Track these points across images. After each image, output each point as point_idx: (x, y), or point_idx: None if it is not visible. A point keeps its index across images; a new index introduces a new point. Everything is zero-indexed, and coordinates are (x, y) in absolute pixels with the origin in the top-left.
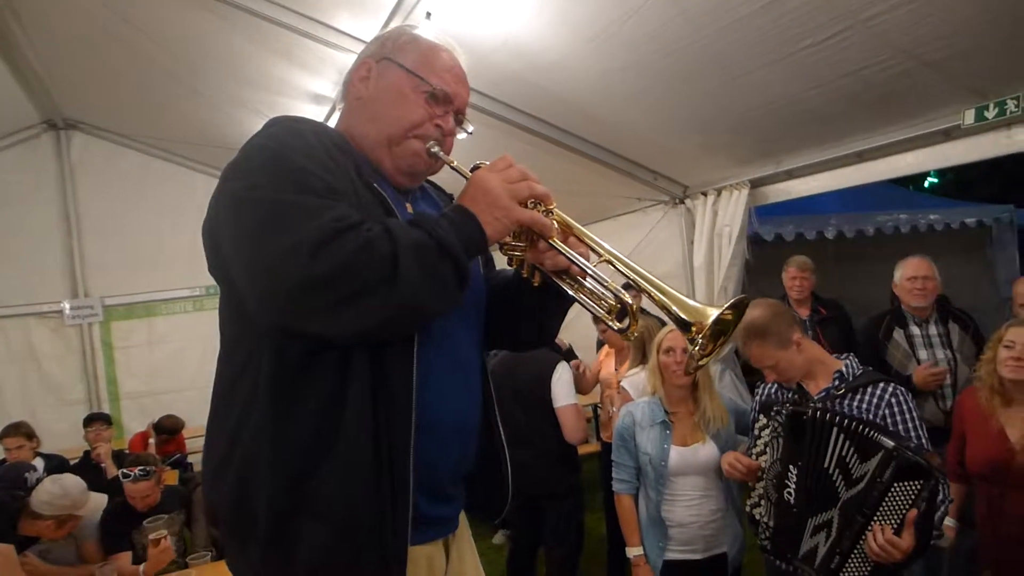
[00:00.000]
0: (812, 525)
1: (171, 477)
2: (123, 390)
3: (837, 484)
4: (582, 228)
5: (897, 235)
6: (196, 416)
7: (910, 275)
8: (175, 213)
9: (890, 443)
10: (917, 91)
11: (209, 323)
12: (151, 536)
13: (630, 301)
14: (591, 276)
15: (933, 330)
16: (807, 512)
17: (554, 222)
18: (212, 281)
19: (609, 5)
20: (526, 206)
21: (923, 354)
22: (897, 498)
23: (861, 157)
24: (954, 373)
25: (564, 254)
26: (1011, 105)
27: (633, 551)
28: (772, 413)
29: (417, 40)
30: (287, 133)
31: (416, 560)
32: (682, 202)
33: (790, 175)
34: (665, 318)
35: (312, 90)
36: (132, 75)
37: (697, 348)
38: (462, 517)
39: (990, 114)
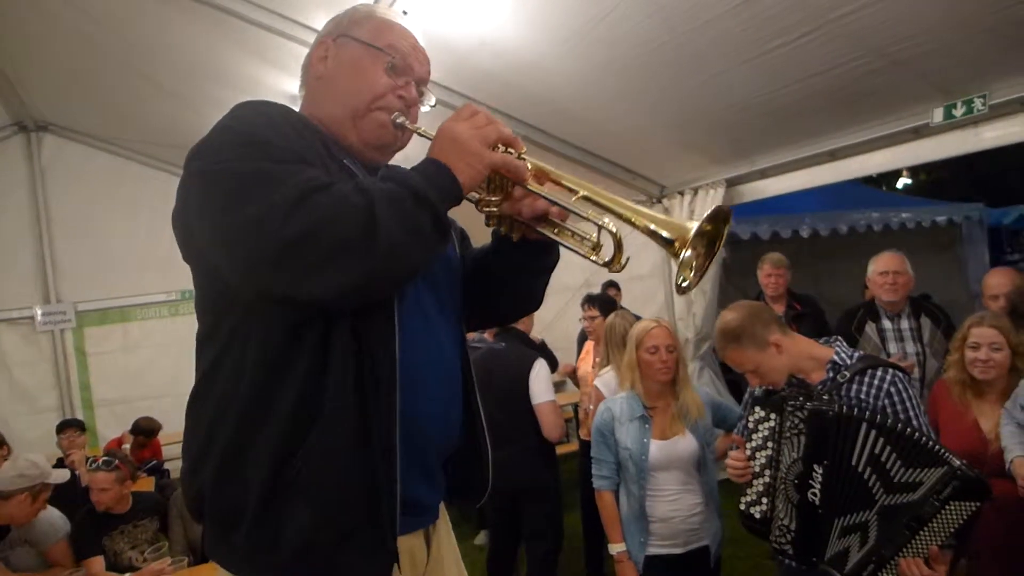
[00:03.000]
0: (840, 526)
1: (147, 483)
2: (97, 397)
3: (872, 485)
4: (555, 170)
5: (870, 233)
6: (172, 422)
7: (881, 269)
8: (149, 216)
9: (956, 461)
10: (887, 90)
11: (185, 328)
12: (154, 566)
13: (614, 229)
14: (572, 214)
15: (905, 324)
16: (834, 513)
17: (527, 165)
18: (189, 285)
19: (584, 5)
20: (496, 151)
21: (893, 348)
22: (950, 515)
23: (834, 156)
24: (923, 367)
25: (541, 195)
26: (978, 103)
27: (616, 547)
28: (789, 409)
29: (372, 14)
30: (253, 113)
31: (400, 552)
32: (659, 201)
33: (763, 174)
34: (651, 239)
35: (288, 90)
36: (104, 76)
37: (686, 260)
38: (442, 509)
39: (958, 112)
